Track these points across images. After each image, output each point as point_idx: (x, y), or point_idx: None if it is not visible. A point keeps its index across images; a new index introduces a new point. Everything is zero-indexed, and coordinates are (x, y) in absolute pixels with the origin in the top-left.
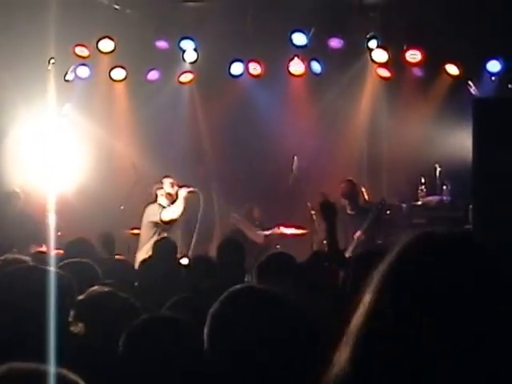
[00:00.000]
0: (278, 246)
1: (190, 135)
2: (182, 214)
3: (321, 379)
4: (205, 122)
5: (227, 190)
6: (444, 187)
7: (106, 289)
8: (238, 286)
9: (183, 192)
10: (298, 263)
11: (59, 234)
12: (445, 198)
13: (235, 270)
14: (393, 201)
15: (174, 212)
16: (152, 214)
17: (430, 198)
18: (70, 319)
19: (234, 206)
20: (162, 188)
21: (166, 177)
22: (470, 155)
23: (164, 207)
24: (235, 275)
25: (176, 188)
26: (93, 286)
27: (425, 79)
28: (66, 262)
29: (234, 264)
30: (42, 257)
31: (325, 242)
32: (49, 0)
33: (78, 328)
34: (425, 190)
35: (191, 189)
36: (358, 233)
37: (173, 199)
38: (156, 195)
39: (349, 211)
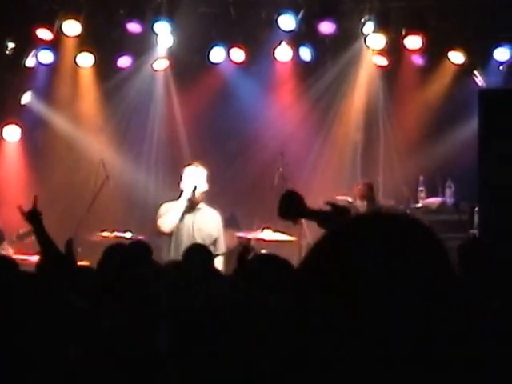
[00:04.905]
0: (263, 251)
1: (164, 128)
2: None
3: None
4: (181, 113)
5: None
6: (447, 188)
7: None
8: None
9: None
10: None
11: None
12: (448, 199)
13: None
14: (389, 202)
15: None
16: None
17: (432, 200)
18: None
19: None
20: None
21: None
22: (476, 152)
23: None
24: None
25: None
26: None
27: (426, 68)
28: None
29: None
30: None
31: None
32: None
33: None
34: (425, 190)
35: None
36: None
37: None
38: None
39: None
